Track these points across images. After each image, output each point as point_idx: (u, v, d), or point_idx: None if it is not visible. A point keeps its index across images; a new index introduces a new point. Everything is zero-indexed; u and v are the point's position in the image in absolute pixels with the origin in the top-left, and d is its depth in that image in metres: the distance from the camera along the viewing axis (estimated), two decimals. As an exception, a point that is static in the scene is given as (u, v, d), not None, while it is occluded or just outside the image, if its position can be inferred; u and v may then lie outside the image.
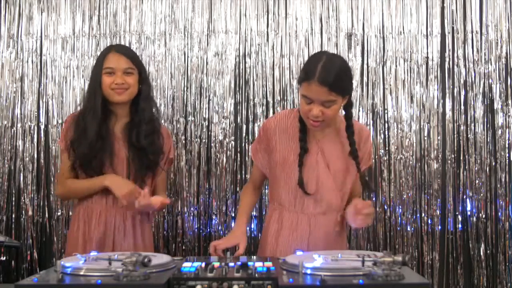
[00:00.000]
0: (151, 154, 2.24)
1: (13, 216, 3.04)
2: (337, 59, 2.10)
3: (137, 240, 2.25)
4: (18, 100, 3.09)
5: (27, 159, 3.06)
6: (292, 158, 2.13)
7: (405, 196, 3.00)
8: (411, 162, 3.01)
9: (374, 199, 3.01)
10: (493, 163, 2.99)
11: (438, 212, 2.99)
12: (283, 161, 2.14)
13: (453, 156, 3.00)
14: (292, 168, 2.12)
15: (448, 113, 3.02)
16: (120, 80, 2.18)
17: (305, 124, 2.12)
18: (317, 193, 2.12)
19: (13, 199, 3.05)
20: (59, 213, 3.03)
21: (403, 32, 3.05)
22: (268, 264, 1.64)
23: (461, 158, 3.00)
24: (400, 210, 3.00)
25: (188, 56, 3.08)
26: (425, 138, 3.02)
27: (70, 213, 3.01)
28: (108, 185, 2.17)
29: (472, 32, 3.03)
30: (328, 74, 1.97)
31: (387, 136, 3.02)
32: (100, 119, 2.18)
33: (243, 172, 3.01)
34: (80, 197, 2.26)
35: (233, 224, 3.01)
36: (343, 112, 2.16)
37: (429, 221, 2.99)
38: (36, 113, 3.08)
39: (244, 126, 3.04)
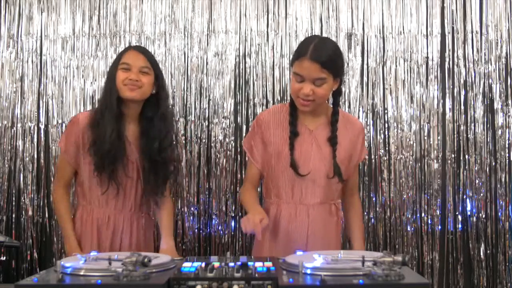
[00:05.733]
0: (165, 167, 2.23)
1: (13, 216, 3.05)
2: (330, 41, 2.18)
3: (140, 241, 2.26)
4: (18, 100, 3.09)
5: (27, 159, 3.06)
6: (287, 148, 2.14)
7: (405, 196, 3.00)
8: (411, 162, 3.01)
9: (374, 199, 3.01)
10: (493, 163, 2.99)
11: (438, 212, 2.99)
12: (278, 153, 2.15)
13: (453, 156, 3.00)
14: (288, 157, 2.13)
15: (448, 113, 3.02)
16: (135, 77, 2.13)
17: (295, 107, 2.14)
18: (313, 178, 2.13)
19: (13, 199, 3.05)
20: (59, 213, 3.03)
21: (403, 32, 3.05)
22: (268, 264, 1.64)
23: (461, 158, 3.00)
24: (400, 210, 3.00)
25: (188, 56, 3.08)
26: (425, 138, 3.02)
27: (70, 213, 3.01)
28: (66, 248, 2.25)
29: (472, 32, 3.03)
30: (320, 52, 2.01)
31: (387, 136, 3.02)
32: (116, 117, 2.13)
33: (243, 172, 3.00)
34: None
35: (233, 224, 3.01)
36: (332, 100, 2.20)
37: (429, 221, 2.99)
38: (36, 113, 3.08)
39: (244, 126, 3.04)
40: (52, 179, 3.04)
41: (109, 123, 2.12)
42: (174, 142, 2.30)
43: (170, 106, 2.33)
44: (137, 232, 2.26)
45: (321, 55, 2.01)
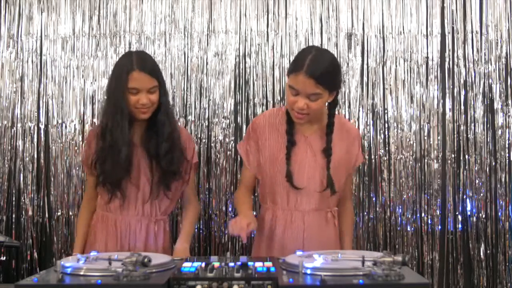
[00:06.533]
0: (170, 171, 2.22)
1: (13, 216, 3.04)
2: (327, 54, 2.12)
3: (150, 247, 2.24)
4: (18, 100, 3.09)
5: (27, 159, 3.06)
6: (282, 154, 2.13)
7: (405, 196, 3.00)
8: (411, 162, 3.01)
9: (374, 199, 3.01)
10: (493, 163, 2.99)
11: (438, 212, 2.99)
12: (273, 158, 2.14)
13: (453, 156, 3.00)
14: (283, 164, 2.12)
15: (448, 113, 3.02)
16: (146, 101, 2.13)
17: (291, 116, 2.13)
18: (308, 188, 2.12)
19: (13, 199, 3.05)
20: (59, 213, 3.03)
21: (403, 32, 3.05)
22: (268, 264, 1.65)
23: (461, 158, 3.00)
24: (400, 210, 3.00)
25: (188, 56, 3.08)
26: (425, 138, 3.02)
27: (70, 213, 3.02)
28: None
29: (472, 32, 3.03)
30: (316, 67, 1.98)
31: (387, 136, 3.02)
32: (127, 136, 2.14)
33: (243, 172, 3.00)
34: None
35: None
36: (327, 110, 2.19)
37: (429, 221, 2.99)
38: (36, 113, 3.08)
39: (244, 126, 3.04)
40: (52, 179, 3.05)
41: (123, 146, 2.12)
42: (193, 143, 2.34)
43: (170, 106, 2.33)
44: (146, 237, 2.24)
45: (317, 70, 1.97)
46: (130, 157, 2.16)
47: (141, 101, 2.13)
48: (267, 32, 3.07)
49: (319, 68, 1.98)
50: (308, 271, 1.51)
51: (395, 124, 3.02)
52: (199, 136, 3.04)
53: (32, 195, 3.05)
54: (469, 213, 2.99)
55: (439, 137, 3.02)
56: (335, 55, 2.44)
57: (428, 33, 3.05)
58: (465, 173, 3.00)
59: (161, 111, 2.20)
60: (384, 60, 3.05)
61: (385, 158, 3.02)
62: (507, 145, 2.98)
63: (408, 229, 3.00)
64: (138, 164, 2.21)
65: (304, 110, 2.03)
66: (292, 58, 3.00)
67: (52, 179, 3.05)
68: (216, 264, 1.60)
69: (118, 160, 2.12)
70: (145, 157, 2.22)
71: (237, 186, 3.01)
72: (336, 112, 2.23)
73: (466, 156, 3.00)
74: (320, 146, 2.15)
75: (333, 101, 2.13)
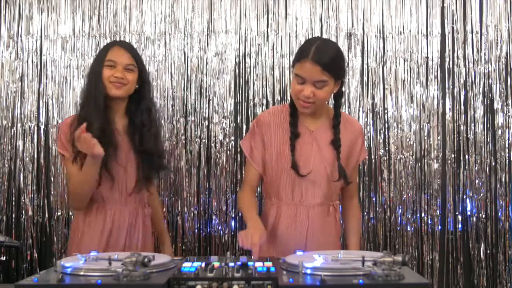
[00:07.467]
0: (156, 157, 2.25)
1: (13, 216, 3.05)
2: (332, 43, 2.17)
3: (146, 236, 2.26)
4: (18, 100, 3.09)
5: (27, 159, 3.06)
6: (287, 148, 2.13)
7: (405, 196, 3.00)
8: (411, 162, 3.01)
9: (374, 199, 3.01)
10: (493, 163, 2.99)
11: (438, 212, 2.99)
12: (278, 154, 2.14)
13: (453, 156, 3.00)
14: (288, 159, 2.12)
15: (448, 113, 3.02)
16: (120, 75, 2.15)
17: (295, 108, 2.13)
18: (313, 181, 2.12)
19: (13, 199, 3.05)
20: (59, 213, 3.03)
21: (403, 32, 3.06)
22: (268, 264, 1.64)
23: (461, 158, 3.00)
24: (400, 210, 3.00)
25: (188, 56, 3.08)
26: (425, 138, 3.02)
27: (70, 213, 3.01)
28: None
29: (472, 32, 3.03)
30: (322, 54, 2.00)
31: (387, 136, 3.02)
32: (103, 110, 2.14)
33: (243, 172, 3.00)
34: (86, 194, 2.16)
35: (233, 224, 3.01)
36: (333, 102, 2.20)
37: (429, 221, 2.99)
38: (36, 113, 3.08)
39: (244, 126, 3.04)
40: (52, 179, 3.05)
41: (96, 117, 2.11)
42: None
43: (153, 99, 2.36)
44: (135, 220, 2.24)
45: (323, 57, 2.00)
46: (114, 139, 2.15)
47: (115, 74, 2.15)
48: (267, 32, 3.08)
49: (325, 55, 2.00)
50: (308, 271, 1.51)
51: (395, 124, 3.02)
52: (199, 136, 3.04)
53: (32, 195, 3.05)
54: (469, 213, 2.99)
55: (439, 137, 3.02)
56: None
57: (428, 33, 3.05)
58: (465, 173, 3.00)
59: (143, 99, 2.23)
60: (384, 60, 3.05)
61: (385, 158, 3.02)
62: (507, 145, 2.99)
63: (408, 229, 3.00)
64: (123, 151, 2.20)
65: (310, 98, 2.04)
66: (292, 58, 3.01)
67: (52, 179, 3.05)
68: (216, 264, 1.60)
69: (93, 131, 2.03)
70: (129, 147, 2.22)
71: (237, 186, 3.01)
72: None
73: (466, 156, 3.00)
74: (328, 139, 2.16)
75: (338, 92, 2.15)
